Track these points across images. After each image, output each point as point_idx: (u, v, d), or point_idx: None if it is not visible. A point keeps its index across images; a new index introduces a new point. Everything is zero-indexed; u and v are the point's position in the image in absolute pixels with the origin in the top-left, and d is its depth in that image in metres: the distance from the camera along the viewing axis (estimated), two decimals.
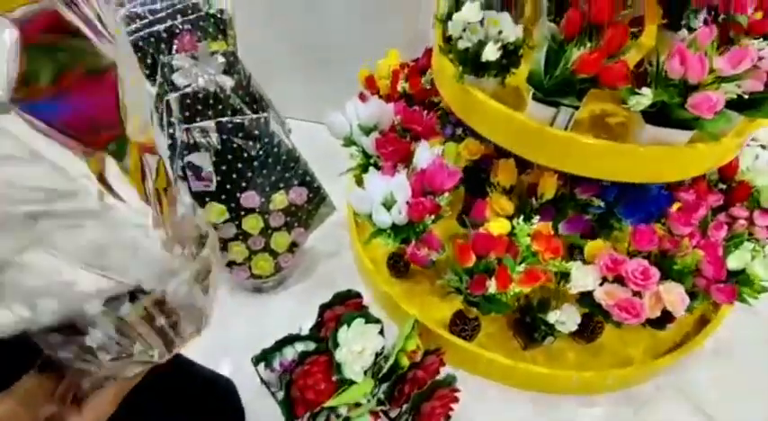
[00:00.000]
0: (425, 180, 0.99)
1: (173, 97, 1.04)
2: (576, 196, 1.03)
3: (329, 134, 1.18)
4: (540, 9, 0.86)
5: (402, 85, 1.26)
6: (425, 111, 1.22)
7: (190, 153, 0.99)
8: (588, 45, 0.73)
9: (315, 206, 1.19)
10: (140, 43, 1.17)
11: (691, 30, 0.79)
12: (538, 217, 0.91)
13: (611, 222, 1.09)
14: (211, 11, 1.27)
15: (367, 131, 1.14)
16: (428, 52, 1.44)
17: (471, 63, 0.85)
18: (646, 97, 0.70)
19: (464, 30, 0.82)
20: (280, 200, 1.11)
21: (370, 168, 1.03)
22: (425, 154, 1.03)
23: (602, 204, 1.01)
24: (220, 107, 1.14)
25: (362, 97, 1.41)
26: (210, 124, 0.99)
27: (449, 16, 0.88)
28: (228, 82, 1.27)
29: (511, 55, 0.85)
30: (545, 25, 0.88)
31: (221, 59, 1.25)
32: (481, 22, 0.80)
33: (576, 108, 0.78)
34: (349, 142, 1.18)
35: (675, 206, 1.02)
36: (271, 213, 1.11)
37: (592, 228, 1.09)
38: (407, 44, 1.50)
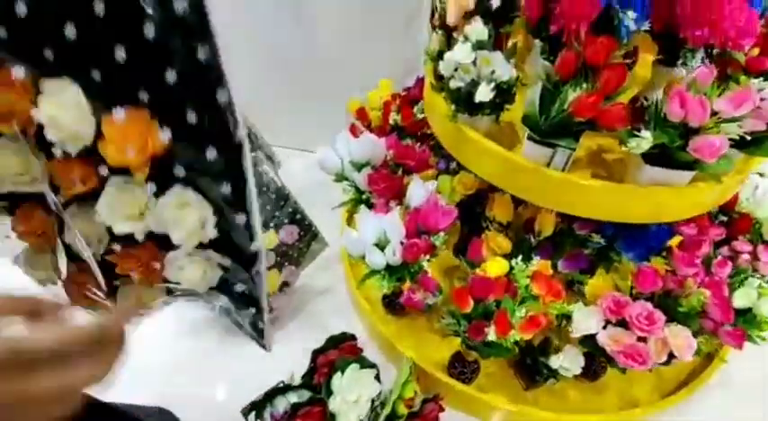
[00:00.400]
0: (420, 219, 0.96)
1: None
2: (574, 232, 1.01)
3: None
4: (533, 47, 0.84)
5: (394, 118, 1.23)
6: (418, 144, 1.20)
7: None
8: (584, 86, 0.71)
9: (306, 243, 1.15)
10: None
11: (687, 66, 0.78)
12: (537, 258, 0.88)
13: (611, 255, 1.07)
14: None
15: (359, 167, 1.11)
16: (420, 81, 1.43)
17: (464, 102, 0.83)
18: (646, 140, 0.68)
19: (456, 69, 0.80)
20: (270, 239, 1.07)
21: (362, 207, 1.00)
22: (419, 191, 1.00)
23: (601, 241, 0.98)
24: None
25: (353, 129, 1.39)
26: None
27: (440, 55, 0.86)
28: None
29: (504, 93, 0.83)
30: (538, 63, 0.86)
31: None
32: (474, 62, 0.78)
33: (574, 149, 0.75)
34: (341, 178, 1.15)
35: (676, 239, 0.99)
36: None
37: (591, 262, 1.07)
38: (399, 70, 1.49)
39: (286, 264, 1.13)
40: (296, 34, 1.41)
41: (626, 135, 0.70)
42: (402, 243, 0.94)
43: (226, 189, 0.57)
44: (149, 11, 0.46)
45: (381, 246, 0.95)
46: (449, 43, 0.93)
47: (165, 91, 0.50)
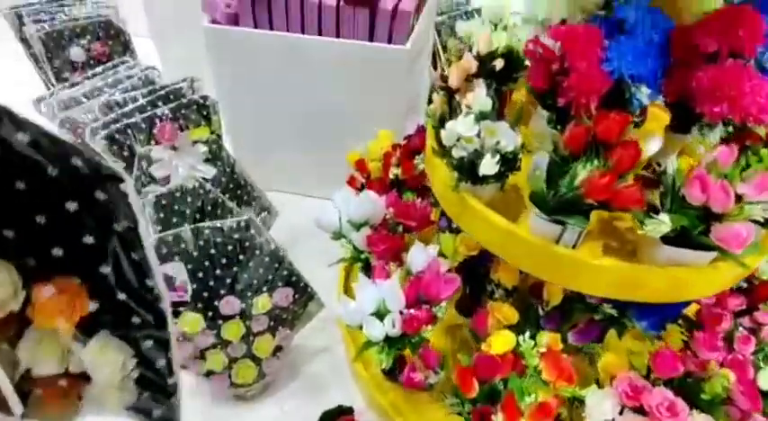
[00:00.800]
0: (421, 288, 0.90)
1: (146, 200, 0.97)
2: (584, 300, 0.95)
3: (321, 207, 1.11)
4: (537, 110, 0.80)
5: (394, 172, 1.19)
6: (419, 199, 1.15)
7: (162, 263, 0.91)
8: (595, 163, 0.67)
9: (302, 305, 1.09)
10: (116, 135, 1.11)
11: (703, 137, 0.73)
12: (547, 336, 0.82)
13: (623, 321, 1.01)
14: (195, 96, 1.22)
15: (357, 227, 1.06)
16: (421, 130, 1.39)
17: (467, 172, 0.79)
18: (664, 225, 0.63)
19: (458, 139, 0.76)
20: (263, 303, 1.01)
21: (360, 275, 0.95)
22: (420, 256, 0.95)
23: (612, 311, 0.92)
24: (200, 203, 1.07)
25: (352, 182, 1.35)
26: (186, 232, 0.91)
27: (441, 122, 0.82)
28: (211, 171, 1.21)
29: (509, 162, 0.79)
30: (544, 127, 0.83)
31: (203, 148, 1.19)
32: (477, 134, 0.74)
33: (585, 228, 0.70)
34: (338, 236, 1.10)
35: (693, 308, 0.94)
36: (253, 318, 1.02)
37: (603, 328, 1.01)
38: (401, 111, 1.46)
39: (280, 327, 1.07)
40: (297, 81, 1.39)
41: (642, 216, 0.66)
42: (402, 313, 0.88)
43: (148, 342, 0.56)
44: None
45: (380, 315, 0.89)
46: (450, 105, 0.90)
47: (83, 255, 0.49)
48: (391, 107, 1.41)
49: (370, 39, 1.30)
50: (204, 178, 1.18)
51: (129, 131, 1.13)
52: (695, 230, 0.63)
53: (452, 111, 0.89)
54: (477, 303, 1.11)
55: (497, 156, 0.74)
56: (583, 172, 0.67)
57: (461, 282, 1.16)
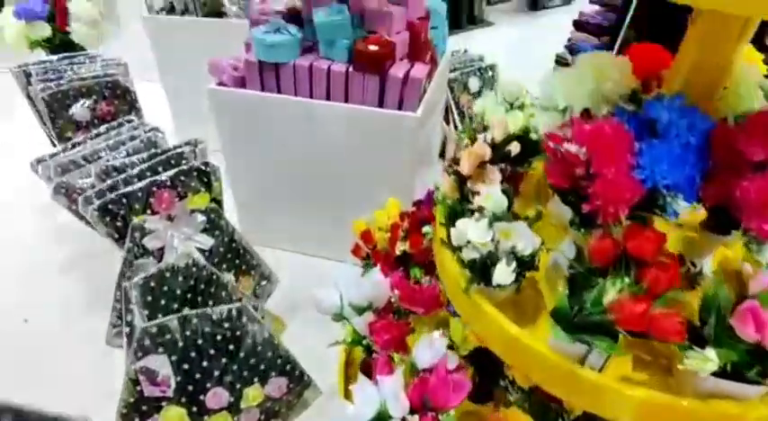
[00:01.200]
0: (427, 391, 0.81)
1: (133, 283, 0.91)
2: None
3: (322, 268, 1.03)
4: (560, 214, 0.72)
5: (401, 248, 1.12)
6: (427, 277, 1.07)
7: (144, 355, 0.83)
8: (626, 280, 0.59)
9: (297, 394, 1.01)
10: (110, 206, 1.06)
11: (751, 252, 0.64)
12: None
13: None
14: (196, 163, 1.17)
15: (360, 311, 0.98)
16: (430, 197, 1.33)
17: (479, 272, 0.71)
18: (711, 362, 0.54)
19: (469, 242, 0.68)
20: (254, 395, 0.93)
21: (360, 377, 0.86)
22: (426, 353, 0.86)
23: None
24: (192, 281, 1.00)
25: (357, 251, 1.28)
26: (173, 321, 0.84)
27: (452, 216, 0.75)
28: (208, 241, 1.15)
29: (527, 264, 0.71)
30: (564, 218, 0.75)
31: (201, 218, 1.14)
32: (492, 238, 0.67)
33: (613, 351, 0.61)
34: (339, 318, 1.02)
35: None
36: (242, 411, 0.93)
37: None
38: (408, 181, 1.40)
39: (272, 419, 0.98)
40: (304, 142, 1.35)
41: (684, 350, 0.57)
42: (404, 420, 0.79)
43: None
44: None
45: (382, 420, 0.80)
46: (462, 191, 0.83)
47: None
48: (400, 171, 1.35)
49: (380, 104, 1.26)
50: (201, 249, 1.12)
51: (125, 201, 1.08)
52: (749, 371, 0.54)
53: (464, 197, 0.83)
54: (490, 396, 1.01)
55: (513, 263, 0.66)
56: (612, 290, 0.59)
57: (473, 371, 1.08)
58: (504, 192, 0.73)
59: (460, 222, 0.69)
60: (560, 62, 2.79)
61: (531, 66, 2.89)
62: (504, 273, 0.65)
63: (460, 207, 0.81)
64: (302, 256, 1.64)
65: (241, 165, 1.48)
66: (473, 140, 0.88)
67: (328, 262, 1.61)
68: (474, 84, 1.97)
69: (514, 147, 0.83)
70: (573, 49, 2.74)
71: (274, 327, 1.16)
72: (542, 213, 0.78)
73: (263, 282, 1.30)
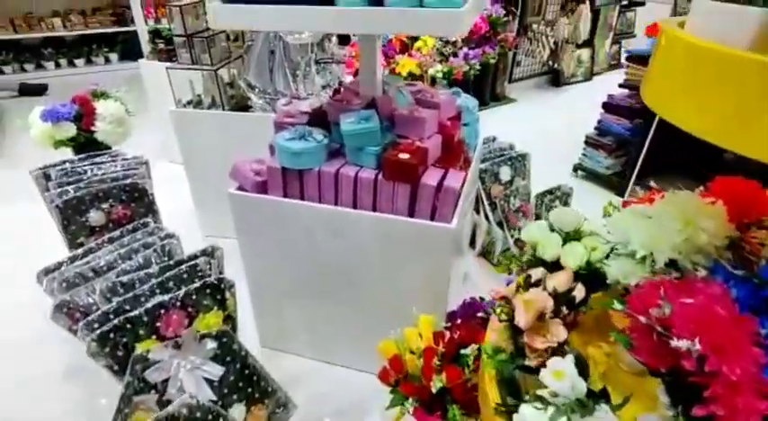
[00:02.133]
0: None
1: None
2: None
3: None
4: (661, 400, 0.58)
5: (438, 384, 0.97)
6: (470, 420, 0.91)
7: None
8: None
9: None
10: (111, 334, 0.95)
11: None
12: None
13: None
14: (209, 279, 1.07)
15: None
16: (467, 310, 1.19)
17: None
18: None
19: None
20: None
21: None
22: None
23: None
24: None
25: (385, 376, 1.12)
26: None
27: (505, 379, 0.61)
28: (218, 371, 1.02)
29: None
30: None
31: (211, 344, 1.01)
32: None
33: None
34: None
35: None
36: None
37: None
38: (441, 294, 1.26)
39: None
40: (328, 250, 1.24)
41: None
42: None
43: None
44: None
45: None
46: (516, 344, 0.69)
47: None
48: (433, 279, 1.22)
49: (411, 211, 1.16)
50: (209, 379, 0.99)
51: (129, 326, 0.97)
52: None
53: (519, 351, 0.69)
54: None
55: None
56: None
57: None
58: (576, 360, 0.59)
59: (526, 410, 0.55)
60: (591, 143, 2.71)
61: (561, 149, 2.82)
62: None
63: (513, 364, 0.67)
64: (322, 364, 1.49)
65: (260, 269, 1.38)
66: (523, 268, 0.76)
67: (350, 371, 1.46)
68: (505, 173, 1.88)
69: (579, 292, 0.70)
70: (603, 130, 2.67)
71: None
72: (610, 354, 0.64)
73: (279, 410, 1.15)
